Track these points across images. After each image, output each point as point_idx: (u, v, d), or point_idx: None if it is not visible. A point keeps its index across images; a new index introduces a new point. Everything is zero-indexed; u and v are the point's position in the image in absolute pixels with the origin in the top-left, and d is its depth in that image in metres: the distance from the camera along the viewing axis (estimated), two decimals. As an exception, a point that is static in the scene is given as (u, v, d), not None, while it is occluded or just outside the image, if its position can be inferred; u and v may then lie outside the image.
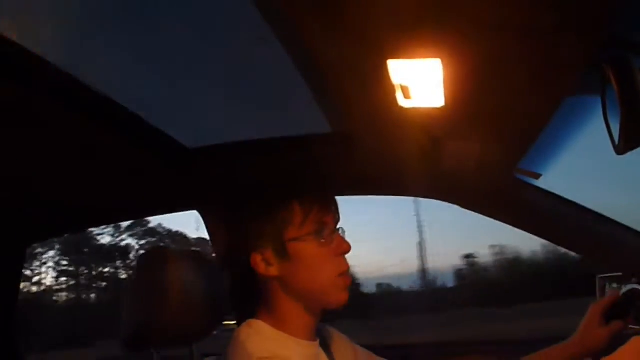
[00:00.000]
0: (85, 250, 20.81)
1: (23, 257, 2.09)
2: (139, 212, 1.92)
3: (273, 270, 1.10)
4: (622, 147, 0.99)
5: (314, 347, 1.16)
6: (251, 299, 1.16)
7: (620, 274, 1.57)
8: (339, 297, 1.10)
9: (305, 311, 1.12)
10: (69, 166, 1.52)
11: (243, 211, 1.15)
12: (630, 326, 1.30)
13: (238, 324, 1.15)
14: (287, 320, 1.12)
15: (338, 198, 1.20)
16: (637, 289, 1.24)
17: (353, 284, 1.19)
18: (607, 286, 1.60)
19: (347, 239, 1.15)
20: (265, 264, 1.10)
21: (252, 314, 1.15)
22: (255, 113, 1.47)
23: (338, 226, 1.16)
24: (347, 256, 1.14)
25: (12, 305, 2.06)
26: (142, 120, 1.38)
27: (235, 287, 1.23)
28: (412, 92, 1.08)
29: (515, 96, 1.13)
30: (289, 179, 1.21)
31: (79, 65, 1.15)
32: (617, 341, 1.24)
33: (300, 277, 1.10)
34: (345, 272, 1.11)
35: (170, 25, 1.14)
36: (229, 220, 1.20)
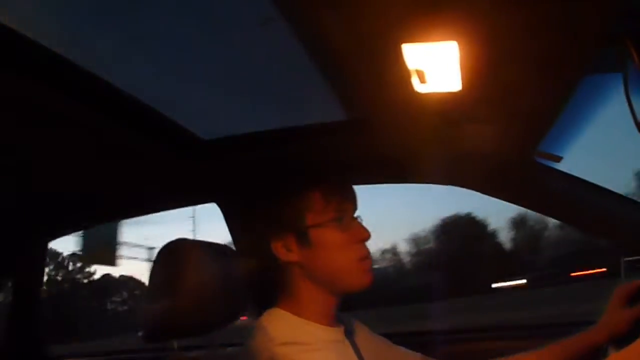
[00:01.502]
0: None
1: (45, 252, 2.12)
2: (157, 204, 1.93)
3: (294, 256, 1.13)
4: (645, 126, 0.97)
5: (338, 333, 1.17)
6: (272, 287, 1.17)
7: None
8: (362, 279, 1.13)
9: (326, 296, 1.15)
10: (87, 161, 1.53)
11: (263, 200, 1.18)
12: None
13: (258, 314, 1.16)
14: (308, 307, 1.14)
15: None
16: None
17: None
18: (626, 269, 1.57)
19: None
20: (286, 250, 1.13)
21: (273, 304, 1.16)
22: (270, 102, 1.47)
23: (355, 214, 1.18)
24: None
25: (35, 300, 2.09)
26: (158, 113, 1.39)
27: (256, 276, 1.25)
28: (427, 76, 1.07)
29: (533, 76, 1.12)
30: (308, 166, 1.22)
31: (93, 61, 1.16)
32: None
33: (323, 263, 1.12)
34: (366, 257, 1.14)
35: (180, 17, 1.14)
36: (248, 209, 1.22)
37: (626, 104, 1.05)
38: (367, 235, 1.14)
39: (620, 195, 1.56)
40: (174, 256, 1.25)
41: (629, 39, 0.93)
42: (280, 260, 1.14)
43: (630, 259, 1.60)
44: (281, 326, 1.09)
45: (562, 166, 1.57)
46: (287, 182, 1.20)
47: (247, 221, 1.22)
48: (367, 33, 0.96)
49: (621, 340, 1.25)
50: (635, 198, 1.57)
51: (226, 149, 1.57)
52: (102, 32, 1.14)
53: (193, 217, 30.06)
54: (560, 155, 1.52)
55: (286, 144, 1.53)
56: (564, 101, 1.19)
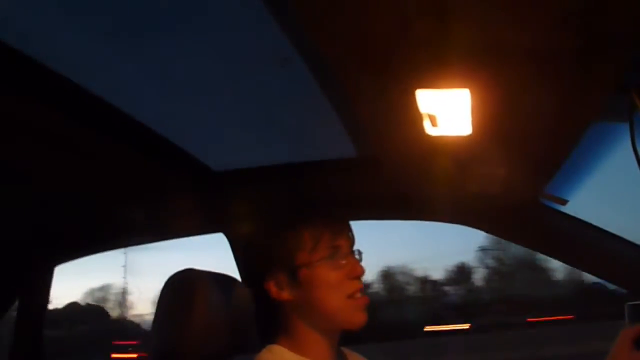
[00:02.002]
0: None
1: (51, 277, 2.12)
2: (166, 232, 1.94)
3: (285, 295, 1.11)
4: (651, 175, 0.98)
5: None
6: (271, 323, 1.17)
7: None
8: (354, 318, 1.10)
9: (322, 334, 1.13)
10: (98, 186, 1.55)
11: (258, 236, 1.17)
12: None
13: (262, 346, 1.16)
14: (304, 344, 1.12)
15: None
16: None
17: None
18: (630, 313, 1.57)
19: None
20: (277, 288, 1.11)
21: (273, 339, 1.16)
22: (282, 137, 1.49)
23: (355, 248, 1.16)
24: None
25: (39, 325, 2.09)
26: (171, 143, 1.41)
27: (257, 310, 1.24)
28: (439, 121, 1.09)
29: (541, 121, 1.13)
30: (300, 203, 1.21)
31: (109, 89, 1.19)
32: None
33: (313, 302, 1.10)
34: (357, 293, 1.11)
35: (199, 50, 1.16)
36: (247, 244, 1.22)
37: (632, 153, 1.07)
38: (359, 272, 1.12)
39: (625, 240, 1.57)
40: (182, 286, 1.26)
41: (635, 89, 0.95)
42: (274, 298, 1.13)
43: (634, 303, 1.59)
44: None
45: (567, 209, 1.58)
46: (278, 219, 1.17)
47: (246, 256, 1.22)
48: (383, 76, 0.98)
49: None
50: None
51: (236, 181, 1.59)
52: (120, 62, 1.16)
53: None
54: (566, 198, 1.54)
55: (291, 179, 1.55)
56: (571, 147, 1.21)
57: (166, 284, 1.28)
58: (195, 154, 1.50)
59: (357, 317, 1.11)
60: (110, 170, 1.45)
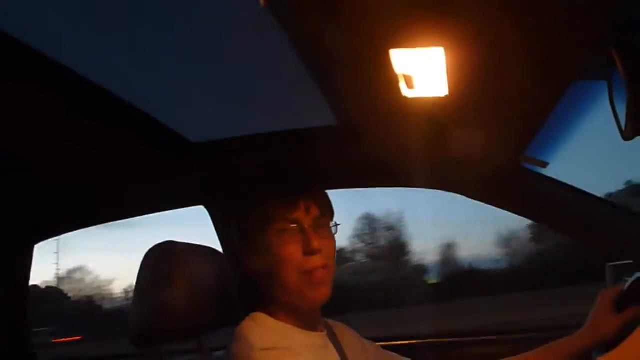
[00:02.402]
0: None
1: (31, 255, 2.10)
2: (145, 207, 1.92)
3: (254, 267, 1.13)
4: (629, 133, 0.98)
5: (319, 338, 1.16)
6: (252, 293, 1.17)
7: (630, 262, 1.55)
8: (309, 293, 1.10)
9: (292, 306, 1.13)
10: (74, 163, 1.53)
11: (233, 208, 1.18)
12: None
13: (246, 316, 1.16)
14: (286, 312, 1.13)
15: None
16: None
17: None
18: (611, 274, 1.59)
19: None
20: (250, 259, 1.13)
21: (256, 307, 1.16)
22: (260, 107, 1.47)
23: (333, 221, 1.17)
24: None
25: (23, 302, 2.08)
26: (147, 115, 1.39)
27: (239, 281, 1.24)
28: (415, 82, 1.08)
29: (519, 82, 1.12)
30: (267, 176, 1.21)
31: (82, 62, 1.15)
32: (628, 330, 1.23)
33: (271, 275, 1.11)
34: (312, 270, 1.09)
35: (173, 20, 1.14)
36: (225, 216, 1.22)
37: (611, 112, 1.06)
38: (313, 247, 1.09)
39: (605, 201, 1.58)
40: (162, 259, 1.24)
41: (614, 47, 0.94)
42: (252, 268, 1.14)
43: (614, 263, 1.61)
44: (260, 331, 1.09)
45: (548, 171, 1.58)
46: (247, 192, 1.18)
47: (225, 228, 1.22)
48: (357, 38, 0.96)
49: (608, 346, 1.26)
50: (622, 205, 1.58)
51: (215, 152, 1.57)
52: (94, 35, 1.14)
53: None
54: (547, 161, 1.54)
55: (274, 148, 1.54)
56: (550, 107, 1.20)
57: (145, 257, 1.27)
58: (173, 126, 1.48)
59: (313, 293, 1.10)
60: (87, 145, 1.43)
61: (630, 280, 1.29)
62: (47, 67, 1.09)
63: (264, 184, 1.16)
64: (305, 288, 1.09)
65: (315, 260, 1.10)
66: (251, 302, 1.21)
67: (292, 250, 1.09)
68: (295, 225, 1.11)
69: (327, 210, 1.17)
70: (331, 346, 1.19)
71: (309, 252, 1.09)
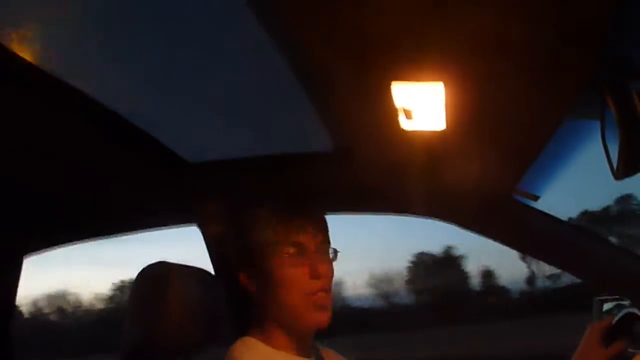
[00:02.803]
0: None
1: (20, 268, 2.08)
2: (139, 224, 1.91)
3: (252, 287, 1.13)
4: (621, 172, 1.00)
5: None
6: (245, 315, 1.17)
7: (617, 297, 1.57)
8: (312, 317, 1.10)
9: (289, 329, 1.13)
10: (68, 177, 1.53)
11: (229, 229, 1.19)
12: (629, 349, 1.31)
13: (236, 337, 1.16)
14: (276, 337, 1.13)
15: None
16: (633, 312, 1.24)
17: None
18: (602, 309, 1.60)
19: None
20: (248, 280, 1.13)
21: (247, 331, 1.16)
22: (258, 129, 1.48)
23: (332, 247, 1.16)
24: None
25: (9, 317, 2.05)
26: (144, 133, 1.39)
27: (231, 303, 1.24)
28: (414, 115, 1.09)
29: (515, 117, 1.15)
30: (271, 198, 1.21)
31: (82, 77, 1.16)
32: None
33: (272, 297, 1.11)
34: (316, 292, 1.10)
35: (173, 40, 1.14)
36: (220, 237, 1.21)
37: (602, 151, 1.08)
38: (320, 271, 1.10)
39: (594, 235, 1.60)
40: (155, 279, 1.25)
41: (607, 89, 0.96)
42: (247, 290, 1.13)
43: (602, 298, 1.62)
44: (251, 356, 1.09)
45: (539, 205, 1.60)
46: (247, 213, 1.17)
47: (221, 248, 1.22)
48: (359, 69, 0.98)
49: None
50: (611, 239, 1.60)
51: (211, 173, 1.58)
52: (95, 53, 1.14)
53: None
54: (538, 194, 1.56)
55: (271, 171, 1.55)
56: (543, 143, 1.22)
57: (138, 277, 1.27)
58: (170, 146, 1.49)
59: (316, 317, 1.10)
60: (83, 161, 1.43)
61: (619, 315, 1.31)
62: (42, 78, 1.10)
63: (270, 205, 1.15)
64: (308, 311, 1.09)
65: (320, 284, 1.10)
66: (243, 324, 1.21)
67: (299, 274, 1.09)
68: (301, 248, 1.11)
69: (328, 236, 1.17)
70: None
71: (315, 276, 1.09)
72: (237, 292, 1.16)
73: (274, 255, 1.10)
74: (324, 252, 1.14)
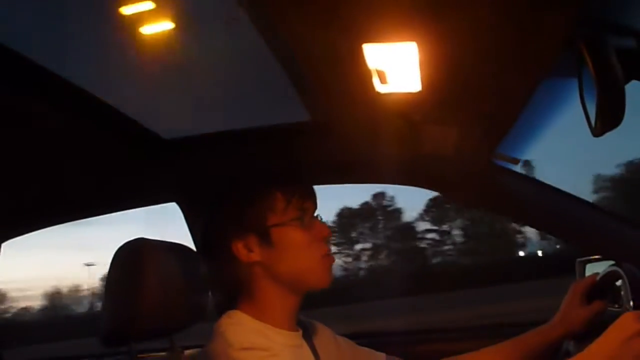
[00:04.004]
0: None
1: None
2: (117, 204, 1.89)
3: (255, 257, 1.12)
4: (598, 129, 0.99)
5: (296, 338, 1.16)
6: (232, 289, 1.16)
7: (599, 257, 1.58)
8: (324, 277, 1.14)
9: (287, 297, 1.14)
10: (44, 159, 1.50)
11: (223, 200, 1.18)
12: (609, 308, 1.32)
13: (219, 315, 1.15)
14: (268, 309, 1.13)
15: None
16: (615, 271, 1.24)
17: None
18: (586, 269, 1.61)
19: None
20: (247, 250, 1.12)
21: (233, 305, 1.15)
22: (233, 103, 1.46)
23: (315, 213, 1.19)
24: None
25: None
26: (118, 112, 1.37)
27: (216, 277, 1.23)
28: (388, 77, 1.08)
29: (491, 79, 1.14)
30: (269, 167, 1.22)
31: (53, 58, 1.14)
32: (597, 322, 1.26)
33: (285, 262, 1.12)
34: (328, 254, 1.15)
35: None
36: (209, 210, 1.21)
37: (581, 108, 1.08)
38: (327, 233, 1.16)
39: (575, 197, 1.60)
40: (134, 256, 1.23)
41: (583, 45, 0.95)
42: (241, 260, 1.12)
43: (584, 259, 1.63)
44: (240, 331, 1.08)
45: (519, 168, 1.60)
46: (248, 181, 1.20)
47: (208, 221, 1.20)
48: (329, 33, 0.96)
49: (578, 337, 1.29)
50: (592, 201, 1.60)
51: (188, 149, 1.56)
52: (67, 31, 1.12)
53: None
54: (518, 157, 1.55)
55: (249, 145, 1.53)
56: (522, 104, 1.21)
57: (116, 255, 1.25)
58: (145, 123, 1.47)
59: (326, 277, 1.15)
60: (57, 141, 1.41)
61: (602, 272, 1.31)
62: (12, 60, 1.07)
63: (270, 175, 1.20)
64: (320, 272, 1.14)
65: (327, 246, 1.17)
66: (226, 299, 1.20)
67: (312, 237, 1.14)
68: (307, 213, 1.16)
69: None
70: (306, 346, 1.19)
71: (324, 237, 1.16)
72: (225, 264, 1.15)
73: (285, 221, 1.12)
74: (318, 217, 1.19)
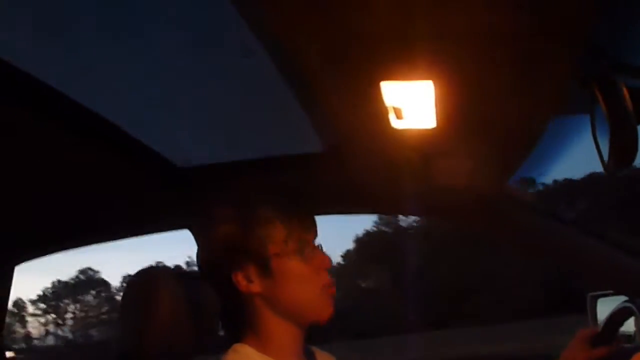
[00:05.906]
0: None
1: (11, 277, 2.06)
2: (129, 230, 1.91)
3: (255, 288, 1.10)
4: (611, 166, 1.00)
5: None
6: (237, 319, 1.15)
7: (610, 292, 1.58)
8: (324, 310, 1.11)
9: (291, 328, 1.12)
10: (59, 184, 1.52)
11: (224, 228, 1.15)
12: (626, 345, 1.31)
13: (228, 344, 1.14)
14: (273, 342, 1.11)
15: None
16: (628, 307, 1.24)
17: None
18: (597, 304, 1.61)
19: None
20: (246, 281, 1.10)
21: (239, 337, 1.14)
22: (248, 132, 1.48)
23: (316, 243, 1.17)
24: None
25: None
26: (134, 139, 1.39)
27: (222, 307, 1.23)
28: (404, 113, 1.09)
29: (505, 115, 1.15)
30: (272, 197, 1.21)
31: (70, 83, 1.16)
32: None
33: (286, 293, 1.10)
34: (329, 285, 1.13)
35: (163, 45, 1.14)
36: (211, 238, 1.19)
37: (593, 145, 1.08)
38: (328, 263, 1.14)
39: (588, 231, 1.60)
40: (143, 285, 1.24)
41: (595, 84, 0.96)
42: (241, 291, 1.11)
43: (596, 294, 1.63)
44: None
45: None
46: (249, 211, 1.16)
47: (209, 250, 1.20)
48: (348, 69, 0.98)
49: None
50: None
51: (201, 177, 1.57)
52: (86, 59, 1.14)
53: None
54: (530, 190, 1.56)
55: (262, 174, 1.54)
56: (534, 139, 1.22)
57: (129, 284, 1.26)
58: (160, 151, 1.48)
59: (327, 310, 1.11)
60: (74, 167, 1.42)
61: (614, 309, 1.31)
62: (30, 85, 1.09)
63: (272, 204, 1.16)
64: (321, 304, 1.11)
65: (328, 277, 1.14)
66: (234, 330, 1.20)
67: (314, 267, 1.11)
68: (308, 243, 1.13)
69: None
70: None
71: (325, 268, 1.13)
72: (229, 295, 1.14)
73: (286, 251, 1.10)
74: (319, 247, 1.17)
